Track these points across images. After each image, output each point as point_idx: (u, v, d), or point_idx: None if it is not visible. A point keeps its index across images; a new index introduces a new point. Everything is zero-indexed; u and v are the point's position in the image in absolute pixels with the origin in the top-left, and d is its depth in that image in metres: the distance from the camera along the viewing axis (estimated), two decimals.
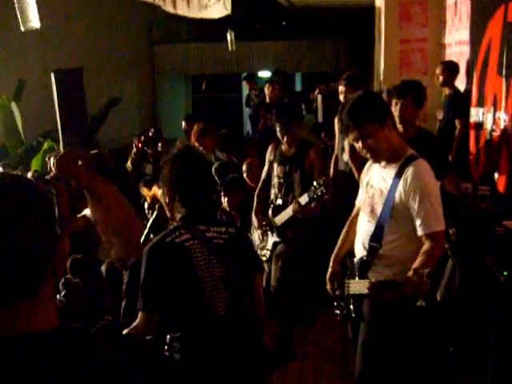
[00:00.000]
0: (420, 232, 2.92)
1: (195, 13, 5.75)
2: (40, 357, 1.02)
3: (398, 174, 2.95)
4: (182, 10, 5.37)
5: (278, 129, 4.54)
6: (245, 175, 5.51)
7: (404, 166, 2.96)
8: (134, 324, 2.50)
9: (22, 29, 2.97)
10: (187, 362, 2.55)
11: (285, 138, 4.54)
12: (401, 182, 2.94)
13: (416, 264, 2.83)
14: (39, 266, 1.08)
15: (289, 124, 4.46)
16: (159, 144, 8.51)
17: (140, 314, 2.50)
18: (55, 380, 1.01)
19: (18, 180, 1.14)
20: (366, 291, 2.92)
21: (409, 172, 2.93)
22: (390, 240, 3.02)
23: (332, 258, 3.35)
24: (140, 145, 7.08)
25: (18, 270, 1.05)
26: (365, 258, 3.09)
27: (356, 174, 4.37)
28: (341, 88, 5.00)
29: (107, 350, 1.07)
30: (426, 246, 2.90)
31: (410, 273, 2.71)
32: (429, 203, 2.89)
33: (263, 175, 4.86)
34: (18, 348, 1.02)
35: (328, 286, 3.31)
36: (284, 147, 4.60)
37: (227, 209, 5.11)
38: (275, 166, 4.68)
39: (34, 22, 2.97)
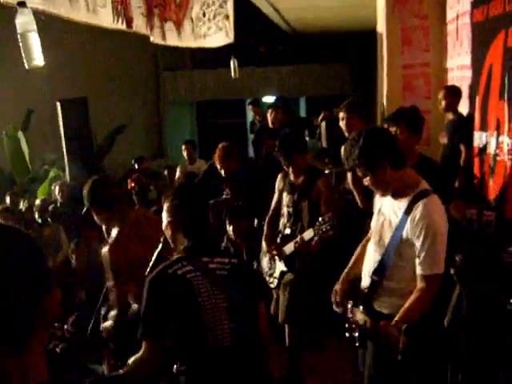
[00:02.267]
0: (418, 271, 2.93)
1: (188, 42, 5.74)
2: None
3: (408, 210, 2.94)
4: (172, 41, 5.37)
5: (281, 159, 4.56)
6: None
7: (414, 202, 2.93)
8: (138, 355, 2.51)
9: (27, 67, 3.03)
10: None
11: (290, 169, 4.56)
12: (409, 219, 2.92)
13: (404, 308, 2.88)
14: (30, 318, 1.08)
15: (291, 155, 4.48)
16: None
17: (143, 344, 2.51)
18: None
19: (10, 233, 1.14)
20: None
21: (418, 210, 2.90)
22: (394, 273, 3.02)
23: (342, 277, 3.37)
24: (133, 184, 7.30)
25: (8, 321, 1.05)
26: (366, 291, 3.10)
27: (359, 201, 4.37)
28: (341, 114, 5.02)
29: None
30: (420, 286, 2.92)
31: (393, 325, 2.74)
32: (431, 244, 2.88)
33: (273, 204, 4.87)
34: None
35: (333, 300, 3.33)
36: (292, 176, 4.61)
37: (232, 237, 5.11)
38: (284, 195, 4.69)
39: (38, 60, 3.03)
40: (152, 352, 2.51)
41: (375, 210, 3.27)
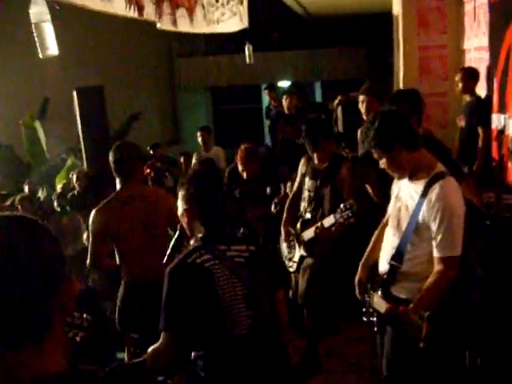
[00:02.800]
0: (434, 254, 2.92)
1: (201, 28, 5.69)
2: None
3: (424, 193, 2.93)
4: (184, 27, 5.33)
5: (307, 145, 4.54)
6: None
7: (430, 184, 2.92)
8: (157, 344, 2.53)
9: (41, 56, 3.04)
10: (211, 380, 2.57)
11: (314, 155, 4.53)
12: (425, 202, 2.91)
13: (422, 291, 2.88)
14: (47, 308, 1.09)
15: (317, 140, 4.44)
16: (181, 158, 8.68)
17: (162, 335, 2.52)
18: None
19: (25, 223, 1.14)
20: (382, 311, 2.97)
21: (433, 192, 2.89)
22: (412, 257, 3.01)
23: (361, 264, 3.37)
24: (148, 170, 7.38)
25: (26, 312, 1.05)
26: (385, 277, 3.09)
27: (373, 195, 4.39)
28: (361, 98, 4.98)
29: None
30: (437, 269, 2.91)
31: (413, 311, 2.75)
32: (448, 226, 2.86)
33: (294, 188, 4.85)
34: None
35: (356, 291, 3.33)
36: (316, 161, 4.58)
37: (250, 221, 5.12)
38: (306, 179, 4.66)
39: (52, 49, 3.05)
40: (172, 343, 2.53)
41: (393, 196, 3.26)
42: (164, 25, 4.86)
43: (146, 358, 2.48)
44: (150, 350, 2.54)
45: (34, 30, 3.01)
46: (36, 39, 3.03)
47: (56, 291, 1.10)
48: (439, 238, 2.88)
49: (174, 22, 5.05)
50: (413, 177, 3.02)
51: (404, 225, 3.03)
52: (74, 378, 1.09)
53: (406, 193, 3.08)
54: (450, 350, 3.31)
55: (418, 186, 2.98)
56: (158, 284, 2.63)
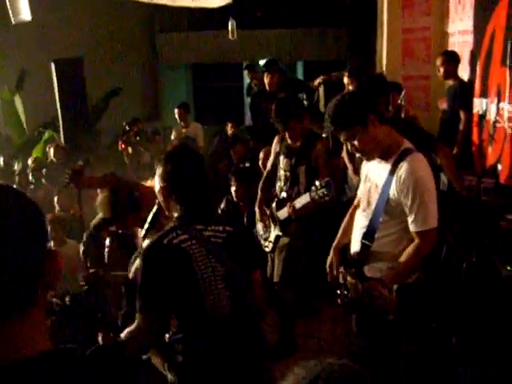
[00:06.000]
0: (411, 228, 2.93)
1: (184, 1, 5.53)
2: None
3: (392, 170, 2.93)
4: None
5: (277, 125, 4.48)
6: (260, 162, 5.44)
7: (398, 161, 2.92)
8: (133, 326, 2.48)
9: (13, 21, 2.90)
10: (190, 363, 2.54)
11: (286, 134, 4.48)
12: (394, 178, 2.91)
13: (399, 263, 2.91)
14: (29, 283, 1.04)
15: (286, 120, 4.38)
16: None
17: (138, 317, 2.47)
18: None
19: (11, 193, 1.09)
20: None
21: (402, 168, 2.90)
22: (383, 235, 3.02)
23: (332, 247, 3.37)
24: (123, 145, 7.36)
25: (11, 281, 1.01)
26: (357, 256, 3.08)
27: (351, 171, 4.40)
28: (346, 80, 4.95)
29: (100, 375, 1.05)
30: (415, 242, 2.93)
31: (383, 284, 2.75)
32: (421, 200, 2.87)
33: (268, 166, 4.81)
34: (9, 377, 0.98)
35: (328, 275, 3.32)
36: (290, 140, 4.53)
37: (235, 199, 5.07)
38: (281, 158, 4.62)
39: (25, 14, 2.91)
40: (148, 324, 2.48)
41: (362, 177, 3.26)
42: None
43: (125, 340, 2.43)
44: (125, 331, 2.48)
45: None
46: (7, 2, 2.87)
47: (41, 263, 1.05)
48: (414, 213, 2.89)
49: None
50: (382, 156, 3.01)
51: (374, 204, 3.02)
52: (58, 358, 1.04)
53: (374, 172, 3.08)
54: (421, 326, 3.33)
55: (386, 164, 2.98)
56: None
